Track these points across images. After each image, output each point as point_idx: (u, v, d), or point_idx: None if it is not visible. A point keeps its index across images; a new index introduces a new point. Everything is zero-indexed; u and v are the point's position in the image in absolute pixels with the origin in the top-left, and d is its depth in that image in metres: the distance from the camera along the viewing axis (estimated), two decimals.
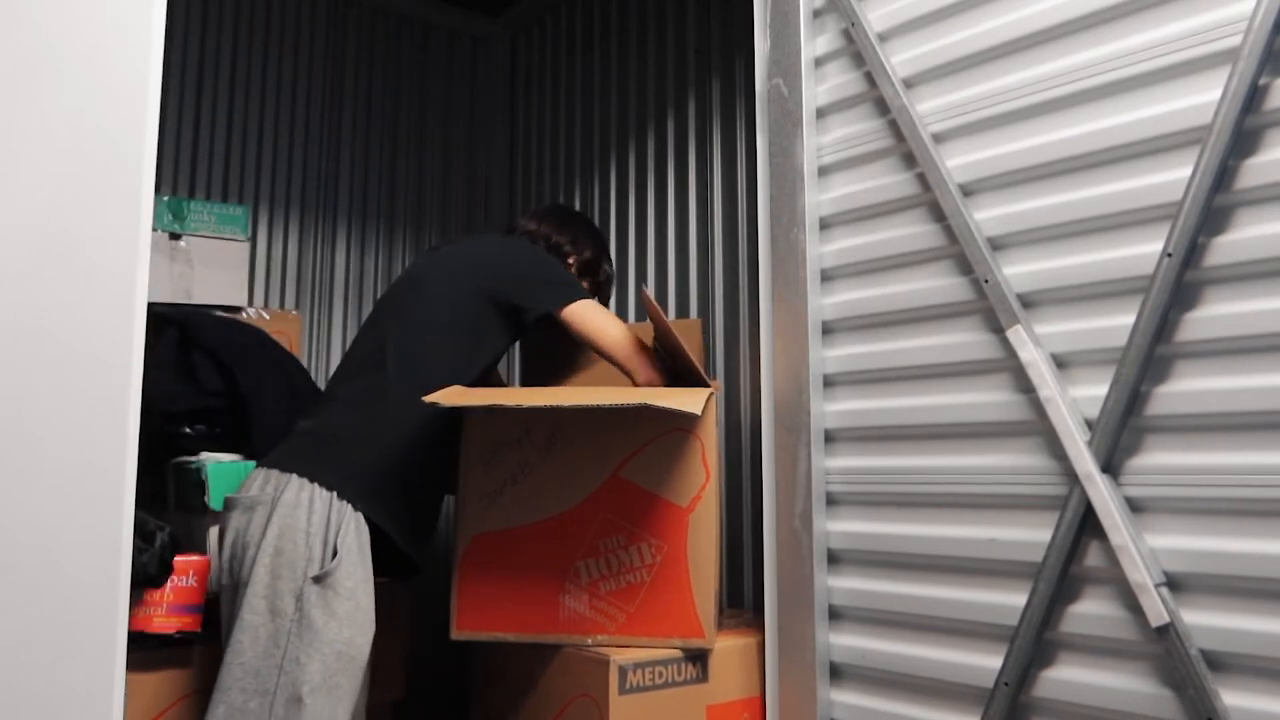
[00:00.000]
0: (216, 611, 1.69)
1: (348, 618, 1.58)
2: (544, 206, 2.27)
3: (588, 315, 1.81)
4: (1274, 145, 1.22)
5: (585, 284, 2.06)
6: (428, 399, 1.58)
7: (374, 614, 1.64)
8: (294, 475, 1.63)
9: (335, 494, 1.62)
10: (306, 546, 1.57)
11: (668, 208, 2.61)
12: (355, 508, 1.63)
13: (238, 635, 1.56)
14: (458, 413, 1.77)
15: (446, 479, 1.87)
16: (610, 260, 2.19)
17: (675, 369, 1.84)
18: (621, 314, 2.72)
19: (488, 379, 1.91)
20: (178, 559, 1.69)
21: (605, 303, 2.18)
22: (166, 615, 1.68)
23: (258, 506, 1.63)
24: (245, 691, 1.54)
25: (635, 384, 1.81)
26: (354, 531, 1.62)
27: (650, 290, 2.60)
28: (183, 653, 1.73)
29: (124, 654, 1.20)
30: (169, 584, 1.67)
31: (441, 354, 1.79)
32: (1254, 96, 1.23)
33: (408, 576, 1.89)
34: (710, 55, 2.53)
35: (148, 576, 1.61)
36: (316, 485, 1.62)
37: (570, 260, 2.05)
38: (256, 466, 1.71)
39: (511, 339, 1.90)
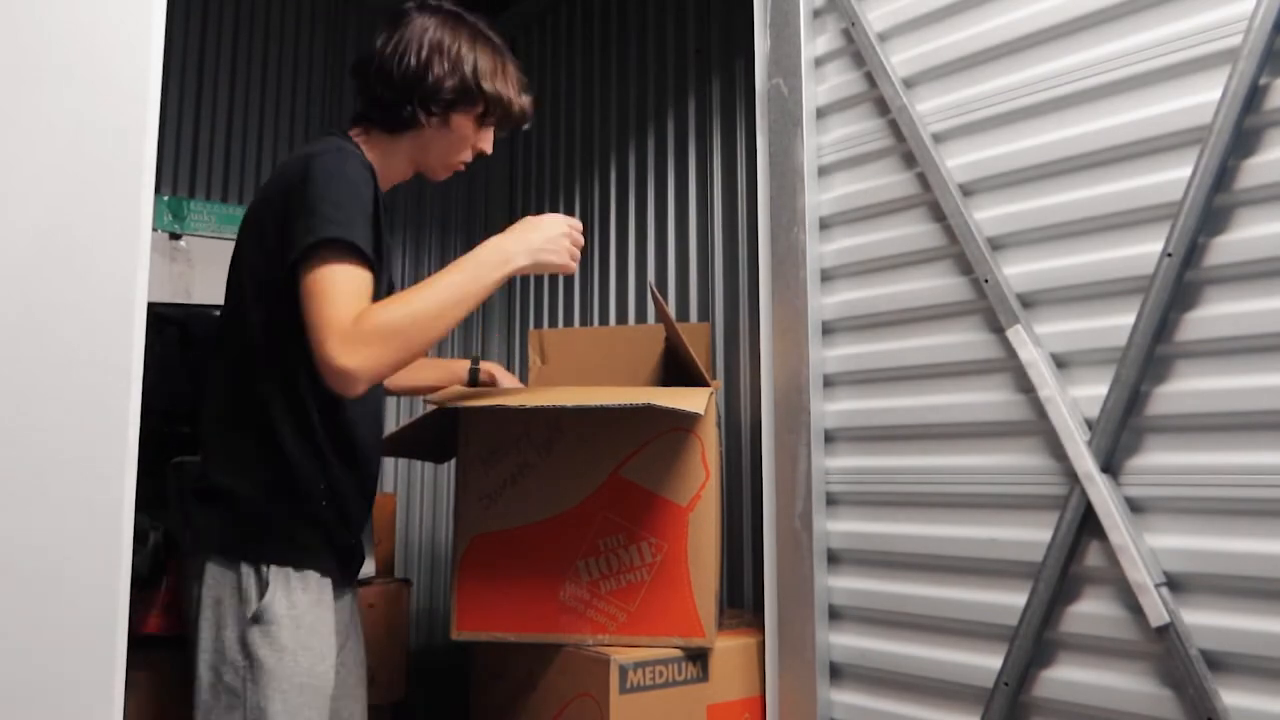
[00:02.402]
0: None
1: (301, 647, 1.43)
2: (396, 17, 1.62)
3: (316, 289, 1.32)
4: (1274, 145, 1.22)
5: (468, 115, 1.58)
6: (429, 399, 1.56)
7: (333, 633, 1.50)
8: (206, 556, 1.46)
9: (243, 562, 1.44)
10: (238, 589, 1.43)
11: (668, 208, 2.61)
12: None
13: (200, 696, 1.44)
14: (457, 413, 1.77)
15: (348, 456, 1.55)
16: (503, 69, 1.60)
17: (677, 368, 1.85)
18: (623, 313, 2.71)
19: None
20: (174, 559, 1.69)
21: (512, 122, 1.66)
22: (162, 616, 1.68)
23: (189, 557, 1.49)
24: None
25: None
26: (284, 553, 1.45)
27: None
28: (181, 654, 1.72)
29: (124, 654, 1.20)
30: (164, 584, 1.67)
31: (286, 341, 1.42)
32: (1254, 96, 1.23)
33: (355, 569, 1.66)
34: (710, 55, 2.53)
35: (140, 577, 1.60)
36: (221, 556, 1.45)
37: (437, 87, 1.53)
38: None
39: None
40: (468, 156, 1.66)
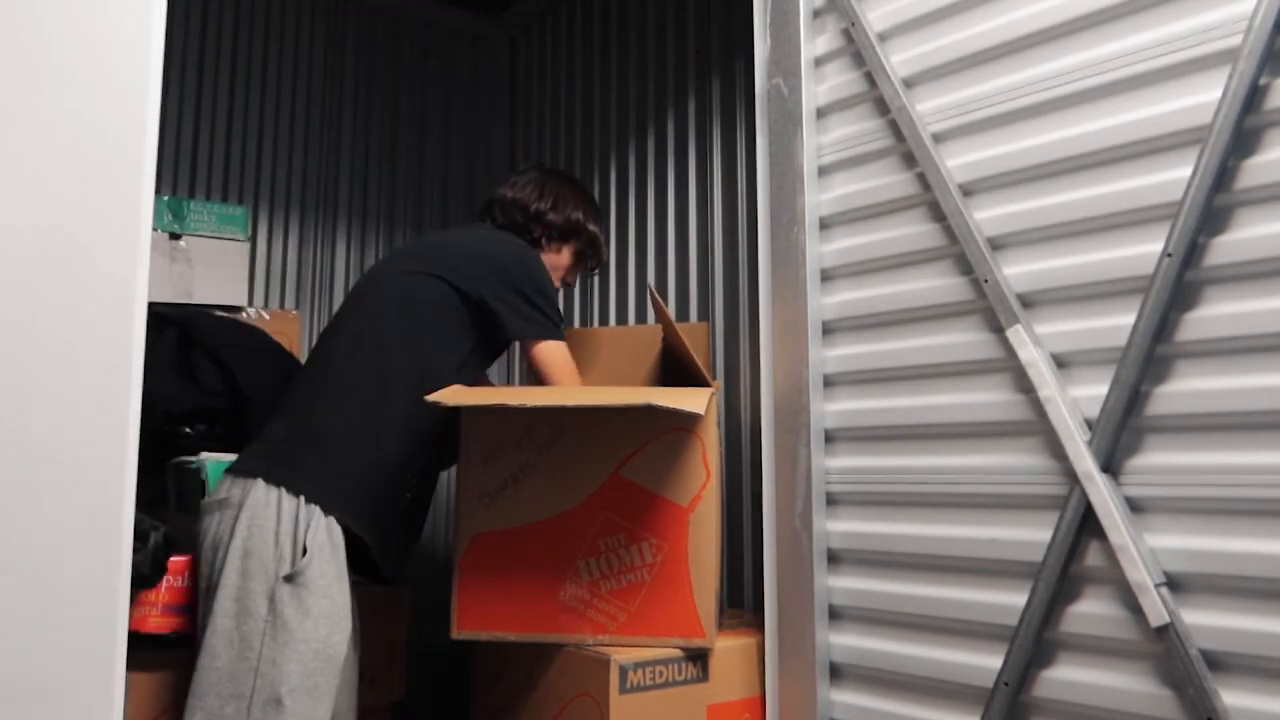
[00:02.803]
0: None
1: (324, 615, 1.54)
2: (522, 168, 2.10)
3: (554, 360, 1.81)
4: (1274, 145, 1.22)
5: (568, 249, 2.01)
6: (430, 398, 1.57)
7: (350, 611, 1.61)
8: (259, 480, 1.58)
9: (303, 498, 1.58)
10: (276, 546, 1.54)
11: (668, 208, 2.61)
12: (326, 513, 1.59)
13: (210, 639, 1.53)
14: (457, 413, 1.77)
15: (430, 491, 1.84)
16: (599, 220, 2.08)
17: (677, 368, 1.85)
18: (623, 313, 2.72)
19: (478, 382, 1.89)
20: (173, 559, 1.69)
21: (596, 267, 2.14)
22: (161, 615, 1.68)
23: (226, 508, 1.59)
24: (221, 696, 1.50)
25: None
26: (324, 530, 1.58)
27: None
28: (180, 654, 1.72)
29: (124, 654, 1.20)
30: (164, 584, 1.67)
31: (431, 355, 1.75)
32: (1254, 96, 1.23)
33: (385, 582, 1.83)
34: (710, 55, 2.53)
35: (141, 576, 1.61)
36: (283, 490, 1.57)
37: (551, 222, 1.96)
38: (226, 471, 1.67)
39: (487, 350, 1.87)
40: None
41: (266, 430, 1.73)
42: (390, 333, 1.75)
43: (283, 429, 1.70)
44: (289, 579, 1.53)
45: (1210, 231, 1.26)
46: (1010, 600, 1.40)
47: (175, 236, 2.39)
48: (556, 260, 2.00)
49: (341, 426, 1.68)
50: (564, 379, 1.81)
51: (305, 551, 1.54)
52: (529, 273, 1.84)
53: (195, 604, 1.68)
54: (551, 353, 1.81)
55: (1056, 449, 1.37)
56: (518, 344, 1.86)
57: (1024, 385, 1.42)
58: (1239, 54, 1.23)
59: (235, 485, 1.61)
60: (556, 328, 1.83)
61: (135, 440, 1.22)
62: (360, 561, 1.68)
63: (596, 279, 2.80)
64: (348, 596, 1.60)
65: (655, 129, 2.69)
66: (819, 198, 1.72)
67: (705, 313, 2.48)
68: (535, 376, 1.85)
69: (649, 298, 2.63)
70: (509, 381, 3.07)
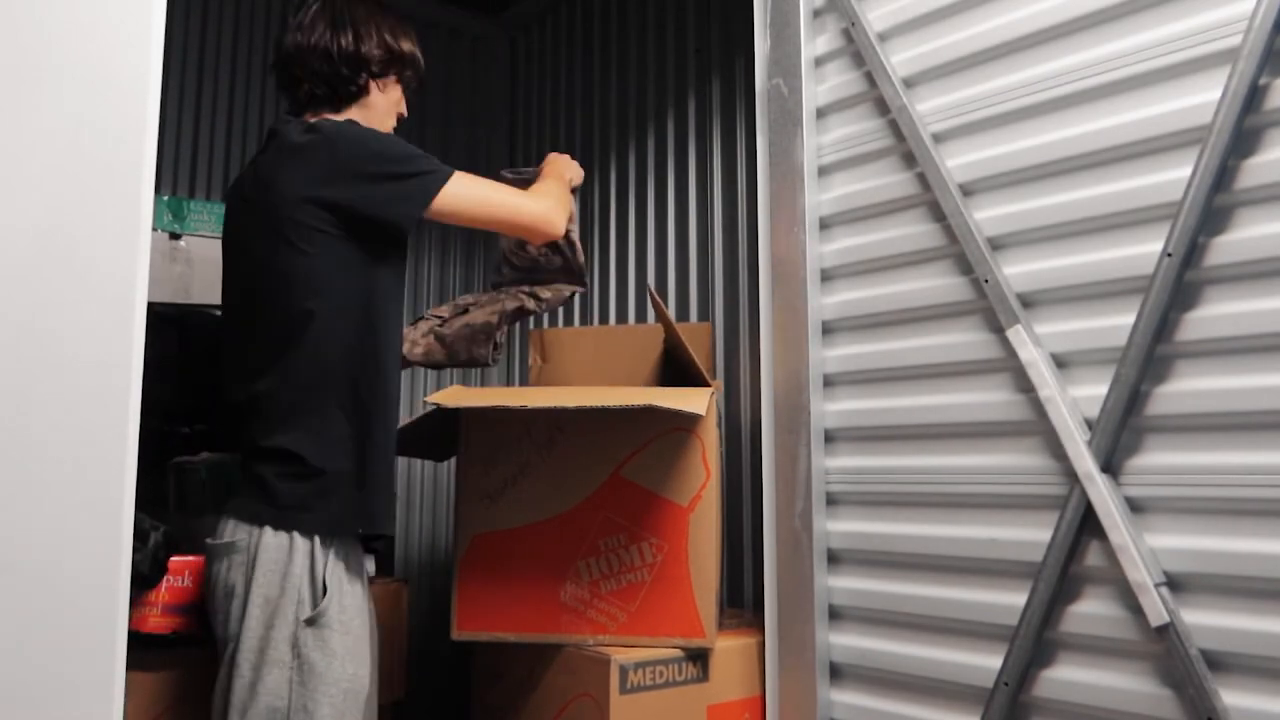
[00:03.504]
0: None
1: (348, 653, 1.48)
2: (306, 3, 1.75)
3: (464, 195, 1.57)
4: (1274, 145, 1.22)
5: (393, 81, 1.73)
6: (430, 400, 1.56)
7: (370, 642, 1.56)
8: (266, 528, 1.48)
9: (317, 540, 1.48)
10: (295, 590, 1.46)
11: (668, 208, 2.61)
12: (342, 540, 1.52)
13: (238, 696, 1.45)
14: (457, 414, 1.77)
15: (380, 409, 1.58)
16: (408, 34, 1.79)
17: (677, 367, 1.85)
18: (623, 313, 2.72)
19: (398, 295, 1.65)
20: (174, 559, 1.69)
21: (420, 84, 1.84)
22: (161, 616, 1.68)
23: (234, 553, 1.49)
24: None
25: (533, 229, 1.66)
26: (342, 556, 1.51)
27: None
28: (180, 654, 1.72)
29: (124, 654, 1.20)
30: (164, 584, 1.67)
31: (328, 320, 1.51)
32: (1254, 96, 1.23)
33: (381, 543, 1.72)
34: (710, 55, 2.53)
35: (141, 576, 1.60)
36: (295, 534, 1.48)
37: (365, 54, 1.67)
38: (226, 514, 1.54)
39: (386, 258, 1.58)
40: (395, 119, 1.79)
41: (244, 461, 1.57)
42: (298, 306, 1.52)
43: (248, 441, 1.55)
44: (310, 622, 1.46)
45: (1210, 231, 1.26)
46: (1010, 600, 1.40)
47: (175, 236, 2.39)
48: (386, 101, 1.74)
49: (301, 430, 1.51)
50: (493, 198, 1.61)
51: (325, 590, 1.47)
52: (357, 150, 1.54)
53: (195, 606, 1.68)
54: (456, 193, 1.56)
55: (1056, 449, 1.37)
56: (414, 224, 1.58)
57: (1024, 385, 1.42)
58: (1239, 54, 1.23)
59: (240, 529, 1.50)
60: (434, 171, 1.56)
61: (135, 440, 1.22)
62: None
63: (597, 278, 2.80)
64: (366, 626, 1.55)
65: (655, 129, 2.69)
66: (819, 198, 1.72)
67: (705, 313, 2.47)
68: (464, 222, 1.63)
69: (649, 298, 2.63)
70: (509, 382, 3.07)
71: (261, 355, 1.54)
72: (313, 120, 1.62)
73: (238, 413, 1.57)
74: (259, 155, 1.66)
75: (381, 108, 1.72)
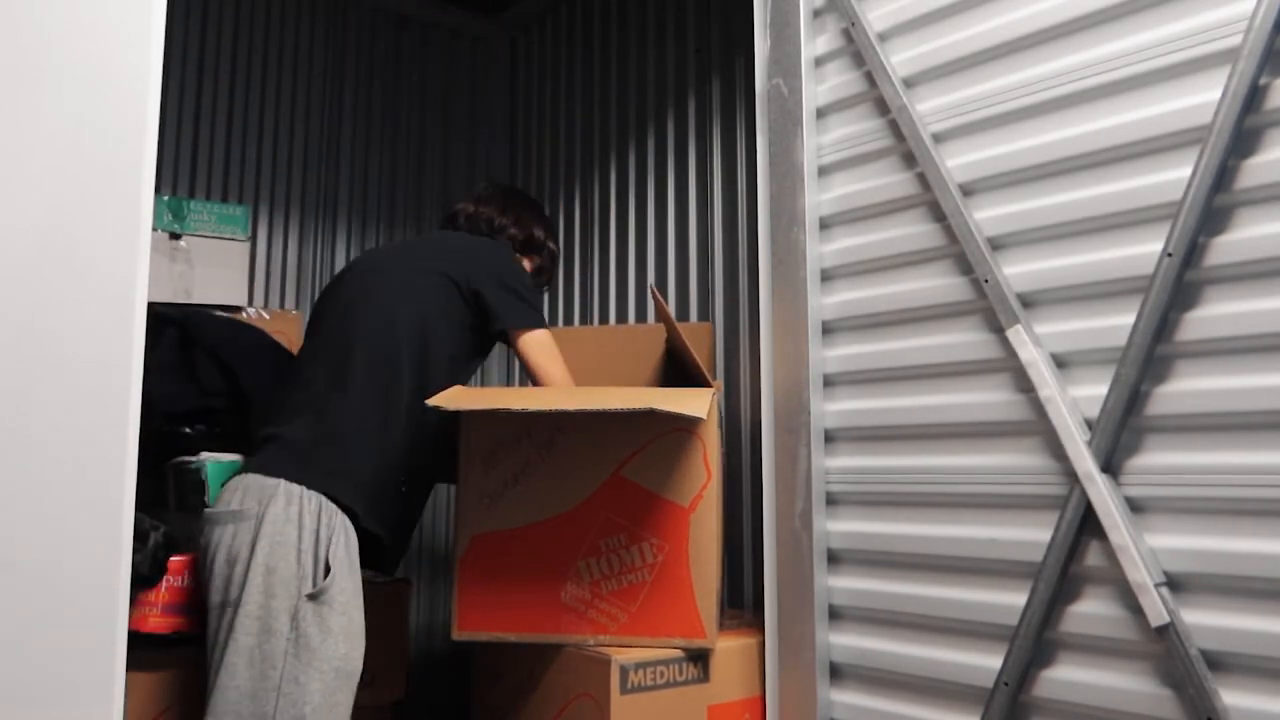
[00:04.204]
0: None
1: (343, 633, 1.55)
2: (482, 186, 2.25)
3: (542, 348, 1.85)
4: (1274, 145, 1.22)
5: (529, 262, 2.08)
6: (430, 402, 1.57)
7: (364, 625, 1.61)
8: (281, 481, 1.58)
9: (324, 497, 1.58)
10: (299, 563, 1.54)
11: (668, 208, 2.61)
12: (346, 511, 1.60)
13: (231, 657, 1.50)
14: (457, 417, 1.77)
15: (434, 479, 1.89)
16: (555, 238, 2.20)
17: (678, 367, 1.85)
18: (623, 313, 2.72)
19: (468, 377, 1.92)
20: (173, 559, 1.69)
21: (550, 280, 2.23)
22: (161, 615, 1.68)
23: (241, 520, 1.56)
24: (241, 716, 1.48)
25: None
26: (344, 543, 1.59)
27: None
28: (180, 654, 1.72)
29: (124, 654, 1.20)
30: (163, 584, 1.67)
31: (440, 348, 1.79)
32: (1254, 96, 1.23)
33: (385, 571, 1.86)
34: (710, 55, 2.53)
35: (141, 576, 1.60)
36: (304, 489, 1.57)
37: (513, 236, 2.04)
38: (236, 474, 1.65)
39: (478, 344, 1.90)
40: None
41: (281, 429, 1.69)
42: (401, 325, 1.78)
43: (302, 427, 1.68)
44: (312, 597, 1.52)
45: (1210, 231, 1.26)
46: (1010, 600, 1.40)
47: (175, 236, 2.39)
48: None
49: (359, 420, 1.70)
50: (553, 367, 1.85)
51: (329, 570, 1.55)
52: (513, 267, 1.92)
53: (195, 606, 1.68)
54: (540, 340, 1.84)
55: (1056, 449, 1.37)
56: (507, 335, 1.87)
57: (1024, 385, 1.42)
58: (1239, 54, 1.23)
59: (250, 495, 1.58)
60: (542, 319, 1.89)
61: (135, 440, 1.22)
62: (365, 556, 1.68)
63: (597, 278, 2.80)
64: (362, 611, 1.61)
65: (655, 129, 2.68)
66: (819, 198, 1.72)
67: (705, 313, 2.47)
68: (525, 365, 1.87)
69: (650, 297, 2.63)
70: (509, 382, 3.07)
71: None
72: None
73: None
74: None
75: None
